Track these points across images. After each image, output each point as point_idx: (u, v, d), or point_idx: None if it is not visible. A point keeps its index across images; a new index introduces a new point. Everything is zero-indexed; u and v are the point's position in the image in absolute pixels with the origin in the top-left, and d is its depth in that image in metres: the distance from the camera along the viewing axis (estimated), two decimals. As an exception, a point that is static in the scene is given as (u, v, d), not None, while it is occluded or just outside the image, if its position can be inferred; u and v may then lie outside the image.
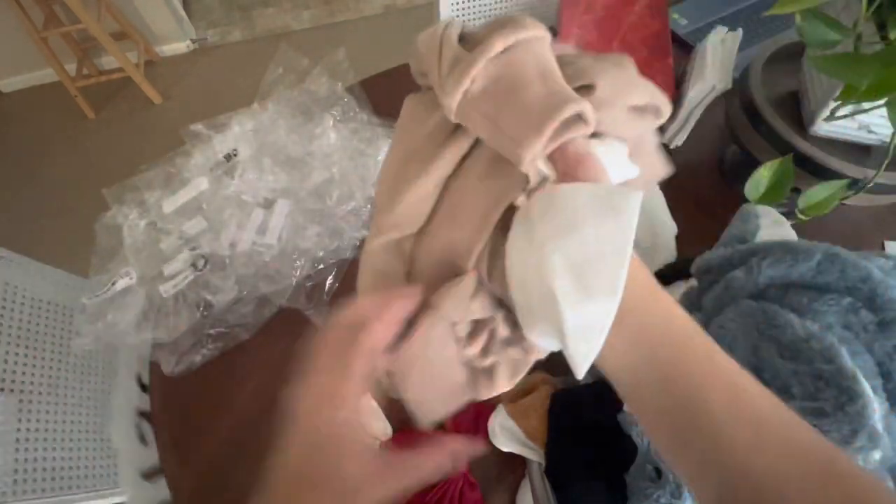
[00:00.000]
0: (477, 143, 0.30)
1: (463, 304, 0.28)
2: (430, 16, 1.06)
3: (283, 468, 0.25)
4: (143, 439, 0.83)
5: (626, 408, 0.46)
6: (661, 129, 0.77)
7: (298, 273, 0.65)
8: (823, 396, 0.33)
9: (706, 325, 0.43)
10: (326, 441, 0.24)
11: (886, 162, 0.54)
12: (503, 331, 0.30)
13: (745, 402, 0.23)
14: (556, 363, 0.29)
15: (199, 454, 0.58)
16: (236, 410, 0.60)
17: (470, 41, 0.28)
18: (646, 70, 0.72)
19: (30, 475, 0.67)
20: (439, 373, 0.30)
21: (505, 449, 0.51)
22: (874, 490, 0.21)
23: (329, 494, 0.23)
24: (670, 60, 0.74)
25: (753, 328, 0.38)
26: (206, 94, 2.13)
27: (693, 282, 0.48)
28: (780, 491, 0.20)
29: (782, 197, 0.57)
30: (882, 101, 0.49)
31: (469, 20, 1.01)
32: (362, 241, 0.69)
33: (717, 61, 0.69)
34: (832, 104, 0.56)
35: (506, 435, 0.52)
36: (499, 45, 0.26)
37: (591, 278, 0.23)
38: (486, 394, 0.30)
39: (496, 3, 1.00)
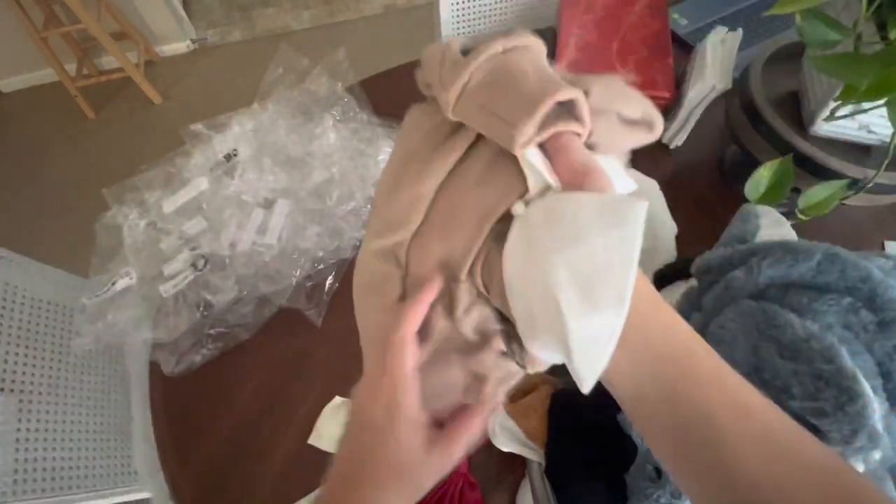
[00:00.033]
0: (474, 146, 0.30)
1: (456, 314, 0.28)
2: (429, 16, 1.06)
3: (341, 455, 0.29)
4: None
5: (629, 421, 0.45)
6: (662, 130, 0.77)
7: (298, 273, 0.65)
8: (823, 396, 0.33)
9: (706, 325, 0.43)
10: (373, 428, 0.28)
11: (886, 162, 0.54)
12: (501, 343, 0.29)
13: (753, 416, 0.22)
14: (556, 363, 0.29)
15: (199, 454, 0.58)
16: (236, 410, 0.60)
17: (472, 52, 0.29)
18: (646, 70, 0.73)
19: (30, 475, 0.67)
20: (439, 380, 0.30)
21: (505, 449, 0.51)
22: (879, 502, 0.21)
23: (384, 470, 0.27)
24: (670, 60, 0.74)
25: (753, 328, 0.38)
26: (206, 94, 2.13)
27: (693, 282, 0.48)
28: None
29: (782, 197, 0.57)
30: (882, 101, 0.49)
31: (469, 20, 1.01)
32: (362, 241, 0.69)
33: (717, 61, 0.69)
34: (832, 104, 0.56)
35: (506, 435, 0.52)
36: (498, 45, 0.27)
37: (597, 290, 0.22)
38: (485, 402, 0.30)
39: (496, 3, 1.00)
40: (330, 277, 0.67)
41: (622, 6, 0.81)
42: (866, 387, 0.32)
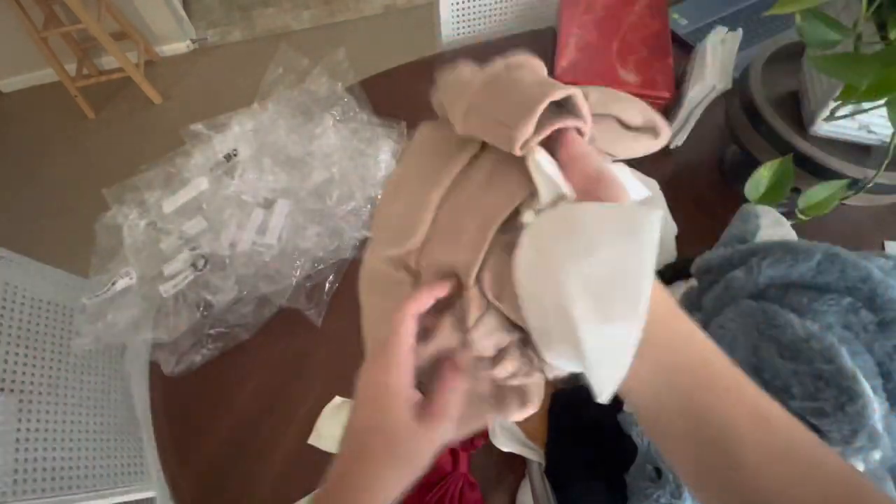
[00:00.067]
0: (479, 156, 0.31)
1: (468, 324, 0.28)
2: (429, 16, 1.06)
3: (350, 424, 0.31)
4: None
5: (629, 421, 0.45)
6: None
7: (298, 273, 0.65)
8: (823, 396, 0.33)
9: (706, 325, 0.43)
10: (367, 402, 0.30)
11: (886, 162, 0.54)
12: (517, 354, 0.30)
13: (775, 430, 0.22)
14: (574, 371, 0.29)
15: (199, 454, 0.58)
16: (236, 410, 0.60)
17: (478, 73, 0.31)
18: (646, 70, 0.73)
19: (30, 475, 0.67)
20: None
21: (505, 449, 0.51)
22: None
23: (381, 440, 0.29)
24: (670, 60, 0.74)
25: (753, 328, 0.38)
26: (206, 94, 2.12)
27: (693, 282, 0.48)
28: None
29: (782, 197, 0.57)
30: (882, 101, 0.49)
31: (469, 20, 1.01)
32: (362, 241, 0.69)
33: (717, 61, 0.69)
34: (832, 104, 0.56)
35: (506, 435, 0.52)
36: (500, 65, 0.30)
37: (612, 301, 0.22)
38: (511, 415, 0.32)
39: (496, 3, 1.00)
40: (330, 277, 0.67)
41: (622, 6, 0.81)
42: (866, 387, 0.32)
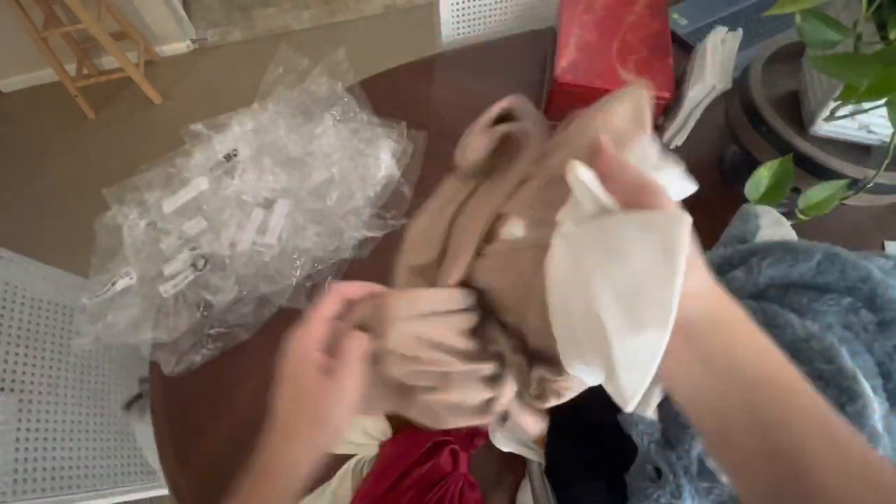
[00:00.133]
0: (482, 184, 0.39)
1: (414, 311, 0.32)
2: (429, 16, 1.06)
3: (272, 395, 0.34)
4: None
5: (629, 421, 0.45)
6: (661, 129, 0.77)
7: (298, 273, 0.65)
8: (823, 396, 0.33)
9: (706, 325, 0.43)
10: (287, 365, 0.33)
11: (886, 162, 0.54)
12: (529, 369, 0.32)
13: (852, 451, 0.21)
14: (592, 385, 0.30)
15: (199, 454, 0.58)
16: (236, 410, 0.60)
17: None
18: (646, 70, 0.73)
19: (30, 475, 0.67)
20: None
21: (505, 449, 0.51)
22: None
23: (290, 394, 0.33)
24: (670, 60, 0.74)
25: (753, 328, 0.38)
26: (206, 94, 2.12)
27: (693, 282, 0.48)
28: None
29: (782, 197, 0.57)
30: (882, 101, 0.49)
31: (469, 20, 1.01)
32: (362, 241, 0.69)
33: (717, 61, 0.69)
34: (832, 104, 0.56)
35: (506, 435, 0.52)
36: (495, 109, 0.38)
37: (642, 309, 0.22)
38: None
39: (496, 3, 1.00)
40: (330, 277, 0.67)
41: (622, 6, 0.81)
42: (866, 387, 0.32)
